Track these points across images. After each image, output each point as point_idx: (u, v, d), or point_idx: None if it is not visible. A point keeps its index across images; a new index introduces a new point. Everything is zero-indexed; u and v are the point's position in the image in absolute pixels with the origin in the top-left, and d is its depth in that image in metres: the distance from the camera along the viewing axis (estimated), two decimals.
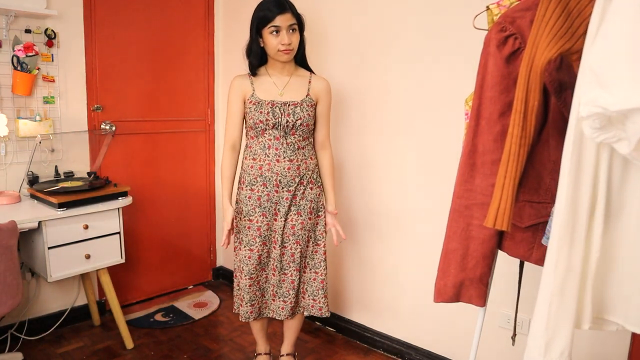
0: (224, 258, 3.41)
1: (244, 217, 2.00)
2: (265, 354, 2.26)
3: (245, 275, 2.00)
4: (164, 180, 3.03)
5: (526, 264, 1.56)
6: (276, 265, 2.01)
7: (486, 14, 1.37)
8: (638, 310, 1.08)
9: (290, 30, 1.87)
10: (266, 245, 2.00)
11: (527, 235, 1.26)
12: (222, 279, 3.41)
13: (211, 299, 3.09)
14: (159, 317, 2.84)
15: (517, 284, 1.59)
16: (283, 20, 1.84)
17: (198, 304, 3.01)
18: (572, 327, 1.06)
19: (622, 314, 1.11)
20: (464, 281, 1.32)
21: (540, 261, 1.23)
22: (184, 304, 3.01)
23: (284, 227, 2.00)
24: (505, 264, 1.88)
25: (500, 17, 1.21)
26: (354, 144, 2.50)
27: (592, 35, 0.92)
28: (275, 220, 1.99)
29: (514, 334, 1.59)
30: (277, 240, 2.00)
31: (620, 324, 1.12)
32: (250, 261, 1.99)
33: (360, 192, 2.51)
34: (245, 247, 2.00)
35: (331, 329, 2.72)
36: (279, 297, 2.05)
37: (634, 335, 1.65)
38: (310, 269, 2.07)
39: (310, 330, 2.70)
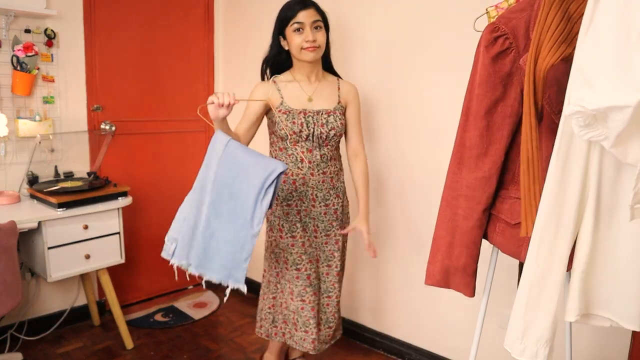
0: None
1: (285, 234, 1.86)
2: None
3: (296, 297, 1.86)
4: (164, 181, 3.03)
5: None
6: (319, 285, 1.92)
7: (486, 16, 1.38)
8: (632, 306, 1.10)
9: (315, 28, 1.76)
10: (313, 264, 1.88)
11: (516, 232, 1.28)
12: None
13: (211, 299, 3.09)
14: (158, 317, 2.84)
15: (517, 284, 1.59)
16: (306, 16, 1.74)
17: (198, 304, 3.02)
18: (552, 316, 1.09)
19: (616, 311, 1.13)
20: (450, 268, 1.36)
21: None
22: (184, 304, 3.01)
23: (327, 243, 1.91)
24: (505, 263, 1.89)
25: (497, 18, 1.23)
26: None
27: (582, 36, 0.95)
28: (316, 237, 1.90)
29: None
30: (320, 258, 1.92)
31: (614, 320, 1.14)
32: (299, 282, 1.85)
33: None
34: (291, 267, 1.86)
35: None
36: (326, 323, 1.99)
37: (634, 335, 1.65)
38: (323, 293, 1.94)
39: None
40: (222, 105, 1.62)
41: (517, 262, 1.62)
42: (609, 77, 0.87)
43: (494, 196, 1.30)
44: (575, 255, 1.10)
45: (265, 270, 1.98)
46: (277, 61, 1.88)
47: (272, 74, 1.89)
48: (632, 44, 0.83)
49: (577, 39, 1.02)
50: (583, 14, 1.02)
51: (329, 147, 1.86)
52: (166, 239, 1.68)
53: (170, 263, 1.64)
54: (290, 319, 1.91)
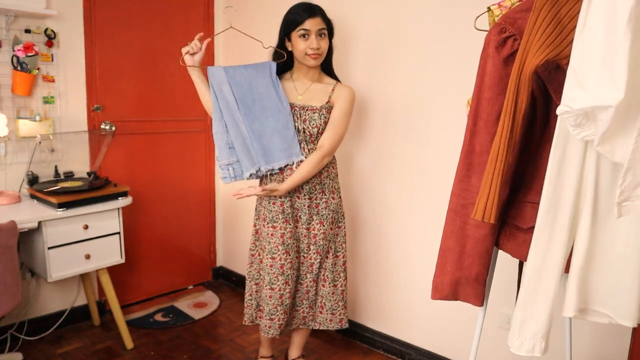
0: (224, 258, 3.41)
1: (267, 224, 1.96)
2: (269, 357, 2.26)
3: (266, 285, 1.96)
4: (164, 181, 3.03)
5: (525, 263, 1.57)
6: (295, 274, 1.99)
7: (487, 15, 1.38)
8: (627, 304, 1.12)
9: (320, 35, 1.86)
10: (289, 255, 1.95)
11: (529, 236, 1.26)
12: (222, 279, 3.41)
13: (211, 299, 3.09)
14: (159, 317, 2.84)
15: (517, 284, 1.59)
16: (313, 24, 1.84)
17: (198, 304, 3.02)
18: (548, 311, 1.11)
19: (612, 307, 1.14)
20: (460, 279, 1.33)
21: None
22: (184, 304, 3.01)
23: (305, 236, 1.98)
24: (505, 263, 1.89)
25: (501, 18, 1.22)
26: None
27: (577, 37, 0.97)
28: (297, 227, 1.97)
29: None
30: (299, 249, 1.99)
31: (610, 316, 1.15)
32: (272, 270, 1.94)
33: (367, 193, 2.51)
34: (267, 255, 1.95)
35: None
36: (293, 307, 2.05)
37: (634, 334, 1.65)
38: (330, 283, 2.03)
39: (309, 332, 2.70)
40: (195, 52, 1.95)
41: (516, 262, 1.62)
42: (597, 77, 0.89)
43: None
44: (574, 252, 1.11)
45: (250, 256, 2.08)
46: (283, 62, 1.98)
47: (277, 72, 1.98)
48: (616, 44, 0.85)
49: (567, 41, 1.04)
50: (575, 16, 1.04)
51: (315, 142, 1.93)
52: (220, 170, 1.92)
53: (246, 178, 1.91)
54: (260, 305, 2.05)
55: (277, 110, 1.89)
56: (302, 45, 1.86)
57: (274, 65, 1.94)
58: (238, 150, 1.89)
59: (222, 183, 3.27)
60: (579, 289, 1.13)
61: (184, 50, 1.93)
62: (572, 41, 1.02)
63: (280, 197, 1.94)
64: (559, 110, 0.96)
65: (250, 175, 1.92)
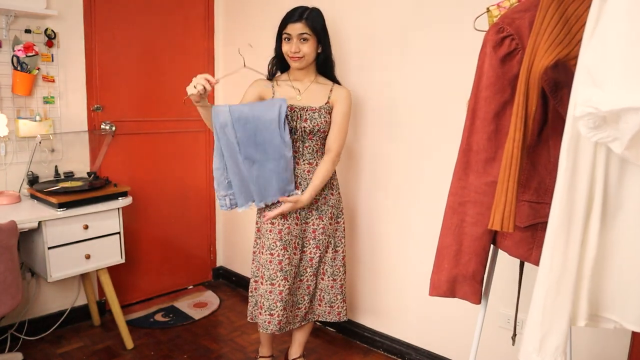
0: (224, 258, 3.41)
1: (267, 220, 2.00)
2: (269, 356, 2.27)
3: (266, 281, 1.98)
4: (164, 180, 3.03)
5: (526, 263, 1.57)
6: (293, 271, 2.01)
7: (486, 15, 1.38)
8: (635, 308, 1.09)
9: (301, 40, 1.91)
10: (287, 251, 1.97)
11: (526, 235, 1.26)
12: (222, 279, 3.41)
13: (211, 299, 3.09)
14: (159, 317, 2.84)
15: (517, 284, 1.59)
16: (293, 29, 1.90)
17: (198, 304, 3.02)
18: (567, 323, 1.07)
19: (619, 312, 1.12)
20: (457, 277, 1.33)
21: (539, 261, 1.24)
22: (184, 304, 3.01)
23: (304, 231, 2.01)
24: (505, 263, 1.89)
25: (499, 18, 1.22)
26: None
27: (588, 35, 0.94)
28: (296, 224, 1.99)
29: (514, 334, 1.60)
30: (298, 245, 2.01)
31: (618, 322, 1.13)
32: (271, 265, 1.97)
33: (364, 192, 2.51)
34: (266, 251, 1.99)
35: (331, 329, 2.72)
36: (295, 305, 2.07)
37: (633, 335, 1.65)
38: (329, 277, 2.07)
39: (311, 331, 2.70)
40: (203, 92, 1.79)
41: (517, 261, 1.62)
42: (621, 77, 0.85)
43: None
44: (582, 259, 1.07)
45: (253, 254, 2.12)
46: (280, 61, 2.04)
47: (276, 72, 2.07)
48: None
49: (575, 41, 1.02)
50: (582, 15, 1.02)
51: (313, 140, 1.98)
52: (218, 199, 1.98)
53: (239, 211, 1.98)
54: (258, 302, 2.04)
55: (279, 155, 1.89)
56: (285, 48, 1.94)
57: (284, 104, 1.87)
58: (235, 187, 1.94)
59: None
60: (589, 296, 1.10)
61: (188, 90, 1.76)
62: (580, 40, 0.99)
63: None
64: (579, 112, 0.92)
65: (244, 209, 1.99)
